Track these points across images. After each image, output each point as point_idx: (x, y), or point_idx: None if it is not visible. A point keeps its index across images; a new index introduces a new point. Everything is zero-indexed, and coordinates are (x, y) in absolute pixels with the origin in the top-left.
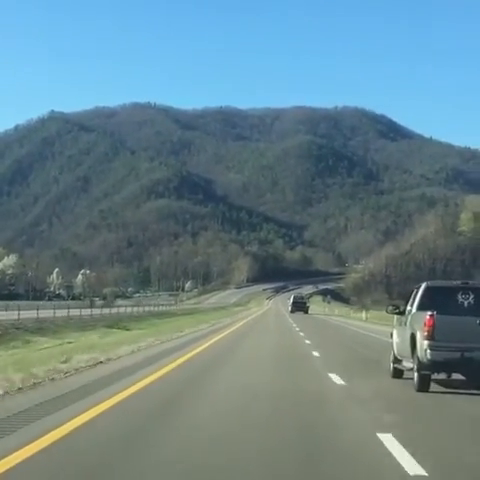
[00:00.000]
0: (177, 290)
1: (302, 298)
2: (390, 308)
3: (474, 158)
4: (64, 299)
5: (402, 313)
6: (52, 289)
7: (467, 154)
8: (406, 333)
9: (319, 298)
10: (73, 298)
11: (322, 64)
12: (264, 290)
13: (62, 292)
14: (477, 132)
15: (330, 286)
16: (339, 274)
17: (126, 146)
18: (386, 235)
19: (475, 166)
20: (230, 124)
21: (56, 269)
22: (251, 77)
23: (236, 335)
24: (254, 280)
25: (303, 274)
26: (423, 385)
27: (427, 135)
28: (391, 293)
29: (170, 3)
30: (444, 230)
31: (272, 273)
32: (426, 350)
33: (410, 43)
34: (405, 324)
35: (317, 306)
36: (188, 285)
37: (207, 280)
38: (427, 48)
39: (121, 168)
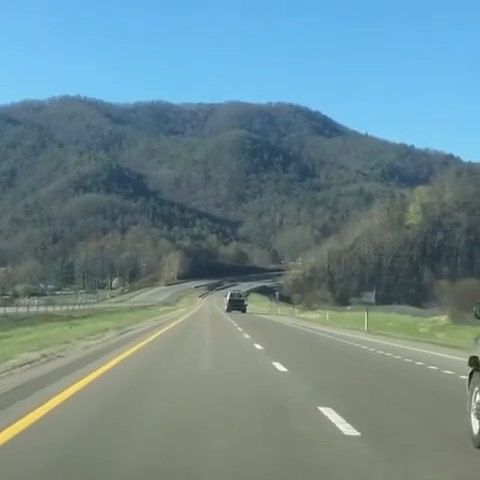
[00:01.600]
0: (103, 288)
1: (240, 296)
2: None
3: (410, 154)
4: None
5: None
6: None
7: (402, 150)
8: None
9: (256, 296)
10: None
11: (256, 60)
12: (196, 287)
13: None
14: (412, 128)
15: (268, 283)
16: (277, 271)
17: (54, 139)
18: (323, 231)
19: (411, 162)
20: (162, 119)
21: None
22: (184, 72)
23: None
24: (186, 276)
25: (239, 270)
26: None
27: (362, 131)
28: (335, 290)
29: None
30: (390, 223)
31: (205, 269)
32: None
33: (344, 40)
34: None
35: (256, 305)
36: (115, 282)
37: (135, 277)
38: (360, 45)
39: (49, 162)
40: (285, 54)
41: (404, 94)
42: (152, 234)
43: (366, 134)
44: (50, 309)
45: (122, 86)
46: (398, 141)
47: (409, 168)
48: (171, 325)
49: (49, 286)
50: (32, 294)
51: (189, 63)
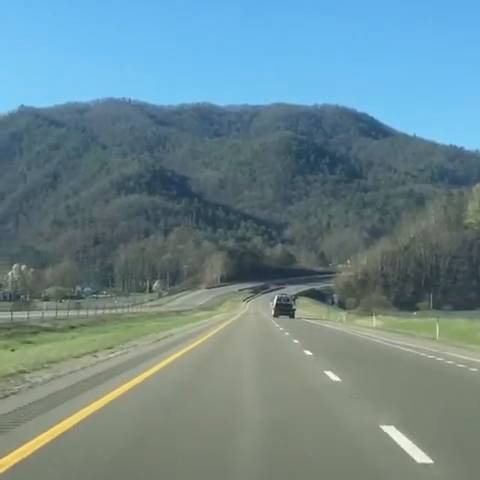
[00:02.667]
0: (143, 291)
1: (287, 300)
2: None
3: (459, 156)
4: None
5: None
6: None
7: (452, 152)
8: None
9: (306, 300)
10: (5, 299)
11: (302, 62)
12: (240, 290)
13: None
14: (462, 130)
15: (317, 286)
16: (326, 273)
17: (98, 141)
18: (372, 233)
19: (461, 164)
20: (207, 121)
21: None
22: (229, 74)
23: None
24: (229, 279)
25: (286, 273)
26: None
27: (410, 133)
28: (389, 294)
29: None
30: (448, 223)
31: (250, 272)
32: None
33: (391, 42)
34: None
35: (306, 309)
36: (155, 285)
37: (177, 280)
38: (408, 47)
39: (92, 164)
40: (330, 56)
41: (453, 95)
42: (195, 236)
43: (414, 135)
44: (47, 315)
45: (167, 88)
46: (447, 143)
47: (459, 170)
48: (192, 344)
49: (86, 289)
50: (66, 297)
51: (234, 65)
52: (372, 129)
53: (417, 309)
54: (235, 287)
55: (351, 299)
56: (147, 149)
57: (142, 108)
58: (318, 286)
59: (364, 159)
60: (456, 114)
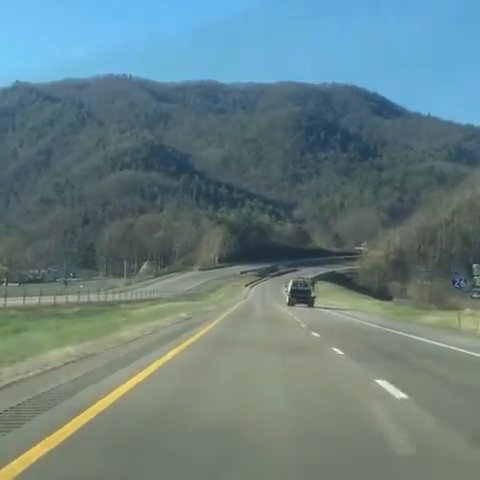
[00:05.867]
0: (130, 274)
1: (306, 284)
2: None
3: (477, 135)
4: None
5: None
6: None
7: (469, 131)
8: None
9: (326, 285)
10: None
11: (308, 39)
12: (242, 273)
13: None
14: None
15: (338, 269)
16: (346, 254)
17: (95, 118)
18: (391, 213)
19: (479, 144)
20: (211, 98)
21: None
22: (235, 52)
23: None
24: (229, 259)
25: (298, 253)
26: None
27: (424, 113)
28: (432, 278)
29: None
30: None
31: (256, 251)
32: None
33: (401, 19)
34: None
35: (326, 297)
36: (144, 267)
37: (169, 261)
38: (417, 25)
39: (87, 140)
40: (338, 33)
41: (469, 73)
42: (194, 213)
43: (429, 115)
44: None
45: (170, 67)
46: (464, 122)
47: (477, 150)
48: None
49: (53, 270)
50: (14, 280)
51: (239, 42)
52: (384, 109)
53: None
54: (236, 269)
55: (395, 283)
56: (147, 126)
57: (143, 84)
58: (339, 268)
59: (378, 138)
60: (472, 93)
